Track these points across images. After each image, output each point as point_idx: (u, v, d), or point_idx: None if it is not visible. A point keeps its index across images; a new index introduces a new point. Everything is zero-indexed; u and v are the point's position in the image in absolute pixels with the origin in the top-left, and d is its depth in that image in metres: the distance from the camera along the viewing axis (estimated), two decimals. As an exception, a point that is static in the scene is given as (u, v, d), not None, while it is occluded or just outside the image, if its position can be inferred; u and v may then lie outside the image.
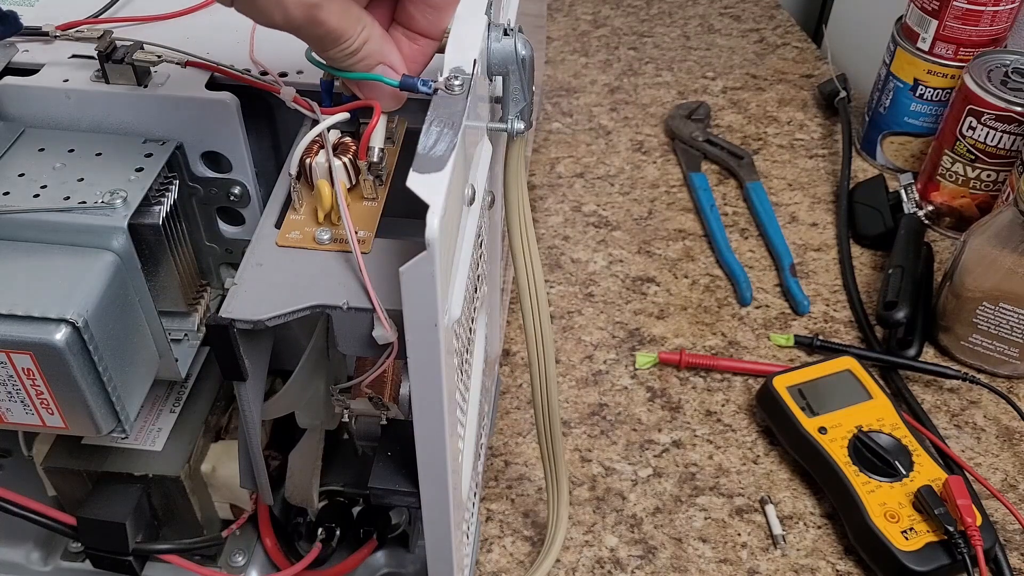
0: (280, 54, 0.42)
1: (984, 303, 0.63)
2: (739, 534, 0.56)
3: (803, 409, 0.59)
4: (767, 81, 0.96)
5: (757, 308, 0.71)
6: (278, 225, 0.39)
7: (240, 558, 0.50)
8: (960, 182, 0.74)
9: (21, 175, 0.41)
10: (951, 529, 0.51)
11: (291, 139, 0.43)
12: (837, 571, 0.54)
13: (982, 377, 0.64)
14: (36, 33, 0.44)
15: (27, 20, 0.44)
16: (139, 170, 0.41)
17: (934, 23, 0.75)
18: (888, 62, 0.80)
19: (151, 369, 0.42)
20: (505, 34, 0.40)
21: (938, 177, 0.76)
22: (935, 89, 0.77)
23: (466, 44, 0.38)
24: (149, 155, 0.41)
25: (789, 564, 0.55)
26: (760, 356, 0.67)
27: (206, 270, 0.46)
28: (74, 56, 0.43)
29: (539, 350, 0.47)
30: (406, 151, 0.41)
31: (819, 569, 0.55)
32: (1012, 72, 0.70)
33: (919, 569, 0.51)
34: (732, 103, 0.92)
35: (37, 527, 0.45)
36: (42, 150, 0.42)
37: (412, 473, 0.40)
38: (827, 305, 0.71)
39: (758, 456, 0.61)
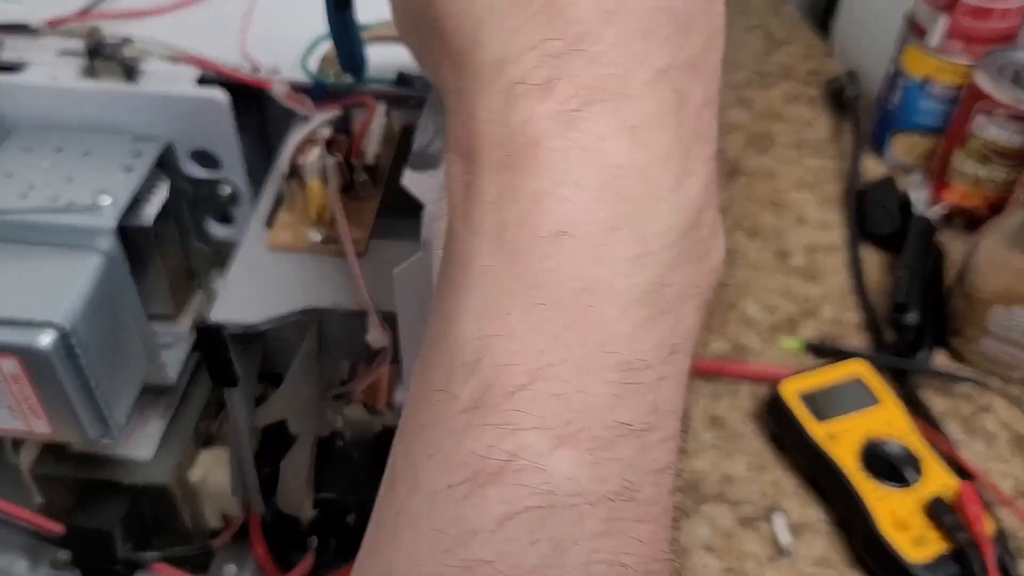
0: (272, 49, 0.42)
1: (996, 306, 0.61)
2: (745, 544, 0.55)
3: (811, 415, 0.58)
4: (774, 78, 0.94)
5: (764, 311, 0.70)
6: (269, 225, 0.38)
7: (232, 567, 0.49)
8: (971, 182, 0.73)
9: (8, 175, 0.40)
10: (962, 537, 0.50)
11: (283, 136, 0.42)
12: (846, 581, 0.53)
13: (994, 381, 0.63)
14: (23, 29, 0.43)
15: (14, 16, 0.44)
16: (128, 169, 0.40)
17: (944, 19, 0.73)
18: (897, 58, 0.79)
19: (140, 374, 0.42)
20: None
21: (949, 176, 0.74)
22: (946, 86, 0.76)
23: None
24: (138, 154, 0.41)
25: (796, 574, 0.54)
26: (767, 360, 0.66)
27: (196, 272, 0.45)
28: (62, 52, 0.43)
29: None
30: (401, 149, 0.40)
31: (827, 579, 0.53)
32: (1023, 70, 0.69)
33: (929, 579, 0.50)
34: (738, 100, 0.91)
35: (24, 535, 0.44)
36: (30, 149, 0.41)
37: (407, 482, 0.39)
38: (836, 308, 0.70)
39: (765, 463, 0.60)
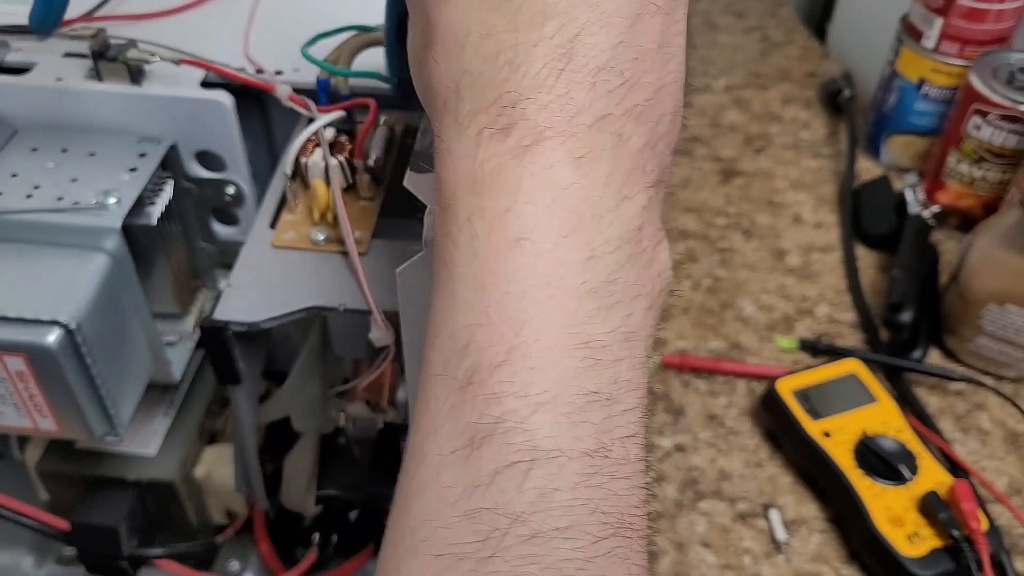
0: (275, 51, 0.42)
1: (990, 305, 0.62)
2: (742, 539, 0.56)
3: (807, 412, 0.58)
4: (770, 79, 0.95)
5: (760, 310, 0.70)
6: (273, 225, 0.39)
7: (236, 563, 0.50)
8: (966, 182, 0.73)
9: (14, 175, 0.40)
10: (956, 534, 0.51)
11: (286, 137, 0.43)
12: (841, 576, 0.54)
13: (988, 380, 0.64)
14: (29, 31, 0.43)
15: (20, 18, 0.44)
16: (133, 170, 0.40)
17: (939, 21, 0.74)
18: (893, 60, 0.79)
19: (144, 372, 0.42)
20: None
21: (943, 177, 0.75)
22: (941, 88, 0.76)
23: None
24: (143, 155, 0.41)
25: (793, 570, 0.54)
26: (764, 359, 0.66)
27: (200, 271, 0.46)
28: (67, 54, 0.43)
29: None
30: (403, 150, 0.40)
31: (823, 575, 0.54)
32: (1018, 71, 0.69)
33: (923, 574, 0.50)
34: (735, 101, 0.92)
35: (30, 531, 0.45)
36: (35, 150, 0.42)
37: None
38: (832, 307, 0.70)
39: (761, 460, 0.60)
